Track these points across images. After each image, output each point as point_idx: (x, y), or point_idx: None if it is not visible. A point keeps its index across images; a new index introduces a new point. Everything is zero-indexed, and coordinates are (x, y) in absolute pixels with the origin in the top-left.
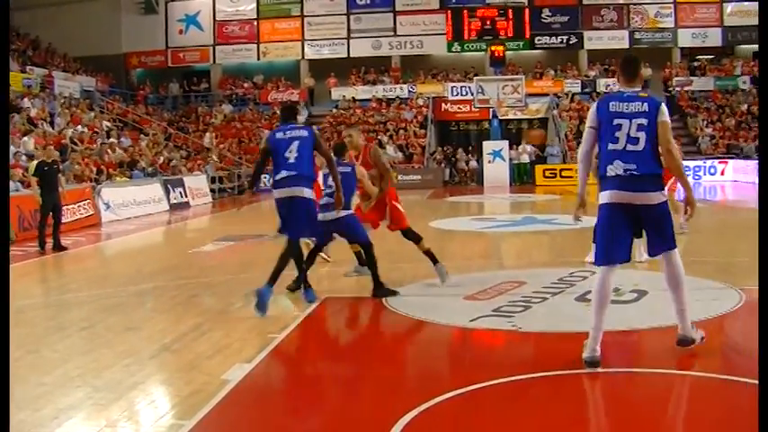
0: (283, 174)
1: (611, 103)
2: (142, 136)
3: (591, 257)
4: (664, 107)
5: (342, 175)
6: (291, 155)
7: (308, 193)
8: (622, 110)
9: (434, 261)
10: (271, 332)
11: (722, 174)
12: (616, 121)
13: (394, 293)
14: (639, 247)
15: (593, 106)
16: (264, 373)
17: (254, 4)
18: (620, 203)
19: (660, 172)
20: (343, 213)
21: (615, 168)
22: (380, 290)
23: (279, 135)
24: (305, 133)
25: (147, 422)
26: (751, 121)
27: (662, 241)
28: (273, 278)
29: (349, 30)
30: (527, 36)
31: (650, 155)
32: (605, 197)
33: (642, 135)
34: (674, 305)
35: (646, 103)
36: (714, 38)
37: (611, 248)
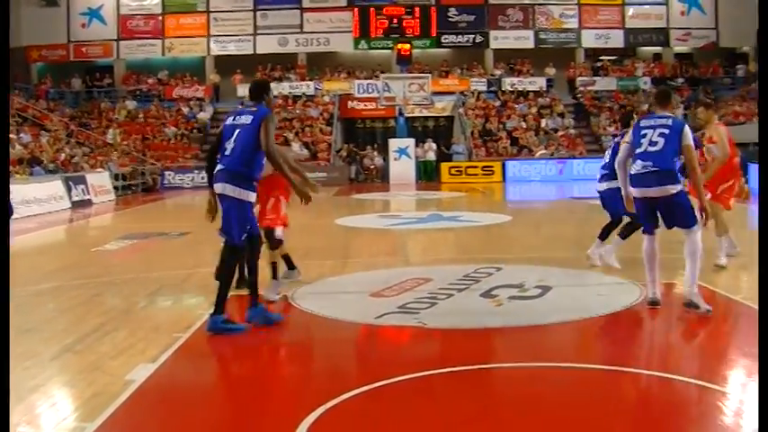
0: (218, 167)
1: (643, 122)
2: (43, 132)
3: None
4: (687, 129)
5: None
6: (229, 146)
7: (233, 191)
8: (651, 124)
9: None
10: (176, 331)
11: None
12: (643, 132)
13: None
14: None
15: (633, 125)
16: (169, 374)
17: None
18: (643, 197)
19: (674, 168)
20: None
21: (637, 167)
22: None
23: (228, 120)
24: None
25: (48, 425)
26: None
27: (672, 220)
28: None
29: (255, 26)
30: (433, 34)
31: (668, 155)
32: (634, 192)
33: (662, 140)
34: (686, 272)
35: (670, 119)
36: (617, 39)
37: (646, 225)
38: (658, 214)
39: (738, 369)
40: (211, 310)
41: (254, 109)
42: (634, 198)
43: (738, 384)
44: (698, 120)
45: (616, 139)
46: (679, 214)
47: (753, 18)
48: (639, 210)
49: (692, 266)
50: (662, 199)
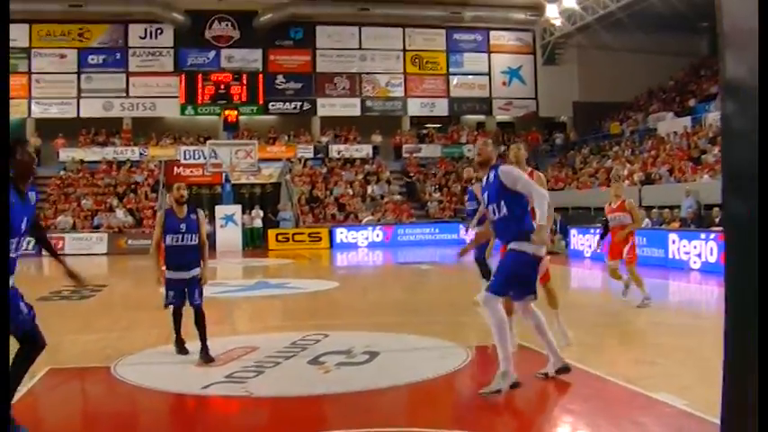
0: None
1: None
2: None
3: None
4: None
5: None
6: None
7: None
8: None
9: None
10: None
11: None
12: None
13: None
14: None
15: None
16: None
17: None
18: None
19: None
20: None
21: None
22: None
23: None
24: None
25: None
26: None
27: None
28: None
29: (79, 89)
30: (261, 101)
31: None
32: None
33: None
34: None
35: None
36: (441, 108)
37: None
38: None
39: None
40: None
41: None
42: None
43: None
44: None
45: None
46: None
47: (569, 90)
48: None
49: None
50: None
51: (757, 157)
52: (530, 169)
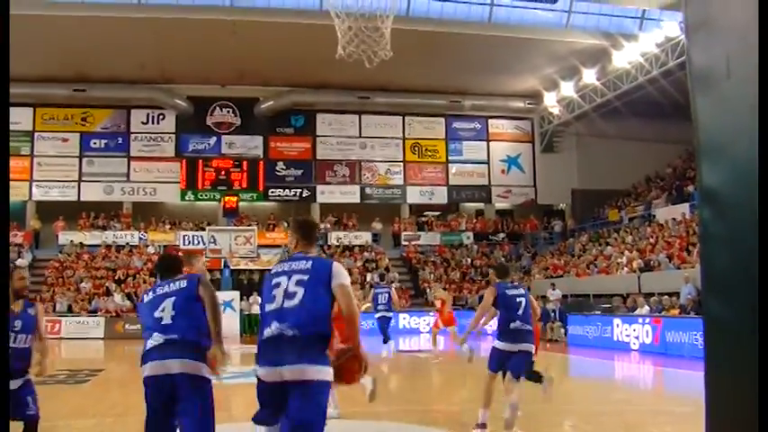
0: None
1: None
2: None
3: None
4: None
5: None
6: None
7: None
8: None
9: None
10: None
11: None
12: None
13: None
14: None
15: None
16: None
17: None
18: None
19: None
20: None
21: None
22: None
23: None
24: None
25: None
26: (474, 275)
27: None
28: None
29: (81, 172)
30: (261, 188)
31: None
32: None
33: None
34: None
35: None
36: (440, 195)
37: None
38: None
39: None
40: None
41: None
42: None
43: None
44: None
45: None
46: None
47: (567, 178)
48: None
49: None
50: None
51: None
52: None
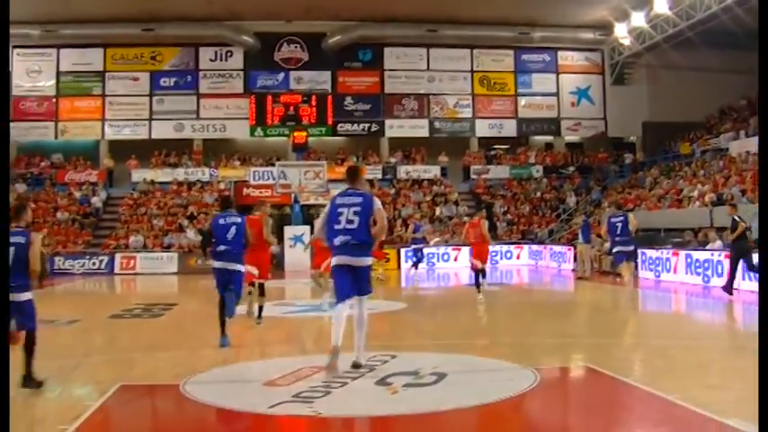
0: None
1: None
2: None
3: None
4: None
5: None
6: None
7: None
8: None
9: None
10: (61, 424)
11: (518, 258)
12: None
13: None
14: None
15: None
16: None
17: (54, 81)
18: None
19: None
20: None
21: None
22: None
23: (221, 220)
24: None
25: None
26: (544, 208)
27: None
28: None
29: (151, 111)
30: (330, 123)
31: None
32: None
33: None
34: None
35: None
36: (509, 128)
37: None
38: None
39: None
40: None
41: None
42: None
43: None
44: None
45: None
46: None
47: (638, 110)
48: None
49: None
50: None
51: None
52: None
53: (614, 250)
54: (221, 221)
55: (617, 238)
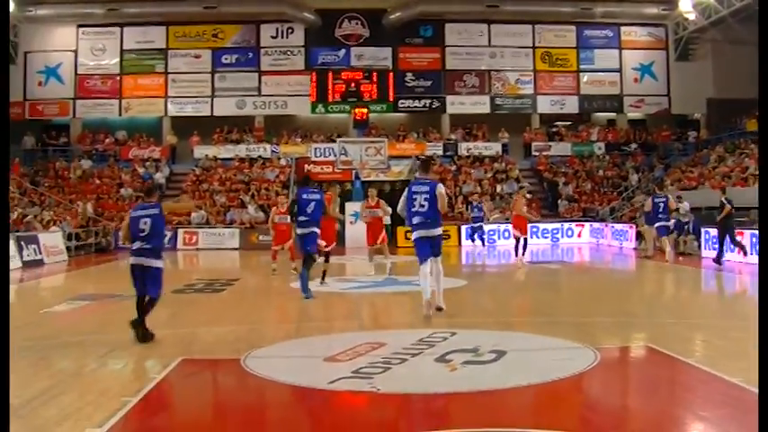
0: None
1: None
2: None
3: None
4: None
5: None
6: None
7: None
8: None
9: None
10: (125, 395)
11: (579, 236)
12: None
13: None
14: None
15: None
16: None
17: (118, 59)
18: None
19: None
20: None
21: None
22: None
23: (304, 196)
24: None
25: None
26: (606, 186)
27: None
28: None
29: (213, 88)
30: (391, 99)
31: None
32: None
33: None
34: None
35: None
36: (571, 105)
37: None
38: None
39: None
40: None
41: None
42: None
43: None
44: None
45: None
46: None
47: (703, 87)
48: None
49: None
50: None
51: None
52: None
53: (656, 225)
54: (304, 196)
55: (660, 215)
